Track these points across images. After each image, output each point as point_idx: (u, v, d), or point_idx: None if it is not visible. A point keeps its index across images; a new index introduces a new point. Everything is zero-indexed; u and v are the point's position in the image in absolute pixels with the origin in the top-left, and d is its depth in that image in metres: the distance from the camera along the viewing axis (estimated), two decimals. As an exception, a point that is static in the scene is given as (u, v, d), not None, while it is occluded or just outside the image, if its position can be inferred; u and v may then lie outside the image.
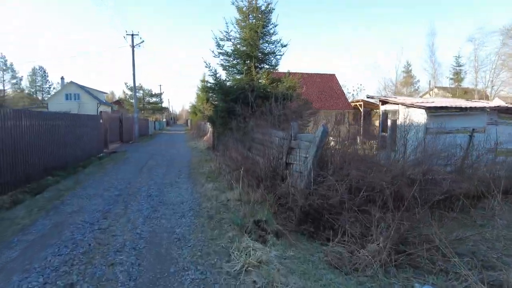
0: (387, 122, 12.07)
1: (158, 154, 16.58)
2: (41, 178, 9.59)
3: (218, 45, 11.81)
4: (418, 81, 49.37)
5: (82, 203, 6.81)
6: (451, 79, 42.00)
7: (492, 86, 36.62)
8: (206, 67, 11.57)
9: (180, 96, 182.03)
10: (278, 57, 12.34)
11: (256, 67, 11.50)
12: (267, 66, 12.39)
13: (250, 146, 9.25)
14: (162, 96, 58.97)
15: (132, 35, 26.03)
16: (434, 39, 56.99)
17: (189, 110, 47.06)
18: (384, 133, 12.18)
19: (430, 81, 43.93)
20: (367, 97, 17.61)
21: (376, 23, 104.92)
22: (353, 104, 29.50)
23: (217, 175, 9.21)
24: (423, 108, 9.97)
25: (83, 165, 12.66)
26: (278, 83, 11.51)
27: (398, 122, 11.22)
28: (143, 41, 26.46)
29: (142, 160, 13.84)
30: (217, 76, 11.58)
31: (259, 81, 11.66)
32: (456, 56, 41.60)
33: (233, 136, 9.85)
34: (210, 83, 11.93)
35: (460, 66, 41.05)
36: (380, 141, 11.65)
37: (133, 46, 26.19)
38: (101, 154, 16.36)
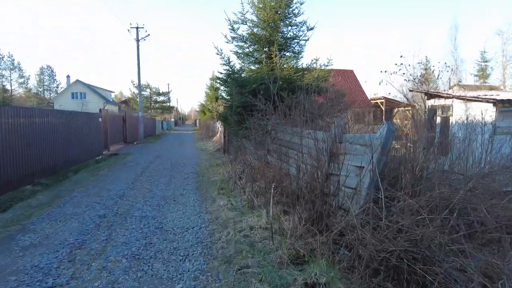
0: (434, 120, 10.01)
1: (163, 156, 14.75)
2: (19, 186, 7.83)
3: (232, 29, 9.90)
4: (439, 77, 46.62)
5: (50, 229, 4.95)
6: (476, 75, 39.36)
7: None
8: (218, 54, 9.65)
9: (189, 96, 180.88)
10: (302, 42, 10.35)
11: (276, 55, 9.55)
12: (288, 54, 10.44)
13: (276, 150, 7.30)
14: (170, 95, 57.42)
15: (137, 28, 24.32)
16: (456, 33, 53.93)
17: (198, 109, 45.35)
18: (431, 134, 10.11)
19: (450, 78, 41.19)
20: (410, 91, 15.53)
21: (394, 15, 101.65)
22: (373, 102, 27.33)
23: (232, 186, 7.29)
24: (491, 102, 7.90)
25: (75, 169, 10.91)
26: (305, 72, 9.55)
27: (452, 120, 9.15)
28: (149, 34, 24.83)
29: (143, 164, 12.01)
30: (231, 64, 9.66)
31: (282, 71, 9.72)
32: (481, 51, 38.84)
33: (251, 136, 7.91)
34: (222, 73, 10.02)
35: (486, 61, 38.32)
36: (425, 143, 9.56)
37: (137, 40, 24.47)
38: (100, 157, 14.63)
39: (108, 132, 17.23)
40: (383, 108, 26.20)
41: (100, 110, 16.16)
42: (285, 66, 9.57)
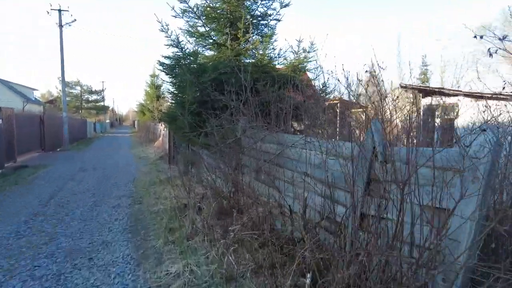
0: (433, 124, 8.36)
1: (89, 168, 11.44)
2: None
3: (183, -2, 7.23)
4: (382, 81, 48.00)
5: None
6: (418, 79, 41.17)
7: (458, 87, 35.88)
8: (162, 31, 6.92)
9: (127, 96, 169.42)
10: (273, 23, 8.09)
11: (244, 35, 7.12)
12: (256, 37, 8.06)
13: (257, 169, 4.84)
14: (105, 94, 51.66)
15: (60, 10, 20.14)
16: (400, 37, 55.89)
17: (136, 110, 40.89)
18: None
19: (392, 81, 42.35)
20: (401, 87, 14.04)
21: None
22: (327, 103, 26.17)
23: (188, 227, 4.62)
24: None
25: None
26: (281, 59, 7.28)
27: (458, 123, 7.52)
28: (75, 19, 20.66)
29: (58, 182, 8.75)
30: (181, 45, 6.99)
31: (252, 58, 7.33)
32: (422, 55, 40.70)
33: (216, 146, 5.37)
34: (170, 58, 7.27)
35: (426, 65, 40.28)
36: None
37: (60, 26, 20.28)
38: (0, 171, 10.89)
39: (15, 138, 13.29)
40: (338, 111, 25.16)
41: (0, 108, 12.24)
42: (255, 50, 7.20)
